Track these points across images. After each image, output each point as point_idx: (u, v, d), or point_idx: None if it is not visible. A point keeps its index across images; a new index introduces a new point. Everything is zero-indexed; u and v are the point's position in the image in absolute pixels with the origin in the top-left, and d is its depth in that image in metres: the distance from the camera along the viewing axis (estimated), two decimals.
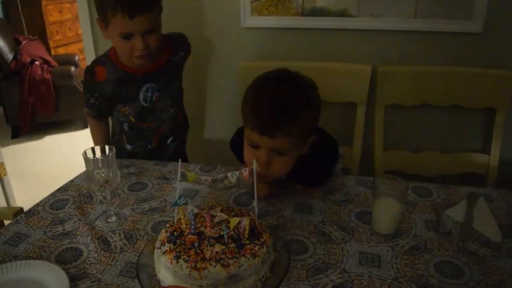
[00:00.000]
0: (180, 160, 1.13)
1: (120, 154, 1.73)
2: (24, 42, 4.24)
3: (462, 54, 1.83)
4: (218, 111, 2.21)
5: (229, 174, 1.05)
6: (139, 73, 1.60)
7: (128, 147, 1.78)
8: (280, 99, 1.12)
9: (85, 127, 4.20)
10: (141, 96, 1.63)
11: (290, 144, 1.14)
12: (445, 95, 1.84)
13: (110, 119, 1.82)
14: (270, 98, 1.14)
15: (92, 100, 1.65)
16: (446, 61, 1.85)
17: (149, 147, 1.78)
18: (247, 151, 1.21)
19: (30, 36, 4.51)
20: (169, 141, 1.81)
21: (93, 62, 1.66)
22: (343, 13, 1.86)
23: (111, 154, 1.21)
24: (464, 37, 1.80)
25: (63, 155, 3.71)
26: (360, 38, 1.90)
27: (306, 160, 1.24)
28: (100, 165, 1.18)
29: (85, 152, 1.18)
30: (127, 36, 1.44)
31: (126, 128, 1.73)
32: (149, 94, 1.63)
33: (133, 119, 1.68)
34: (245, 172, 1.05)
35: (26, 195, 3.10)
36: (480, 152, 1.89)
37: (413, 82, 1.84)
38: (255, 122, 1.14)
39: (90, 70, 1.62)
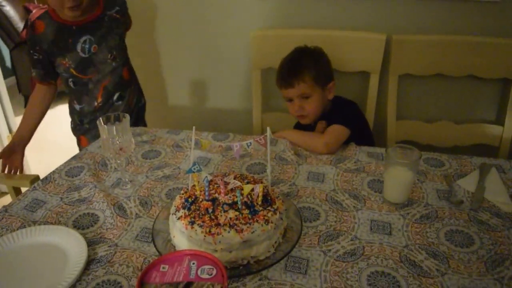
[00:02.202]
0: (194, 127, 1.14)
1: (72, 115, 1.87)
2: (34, 11, 4.22)
3: (478, 23, 1.80)
4: (229, 79, 2.20)
5: (244, 144, 1.06)
6: (75, 25, 1.67)
7: (77, 107, 1.84)
8: (291, 60, 1.64)
9: None
10: (79, 47, 1.69)
11: (308, 88, 1.58)
12: (460, 65, 1.81)
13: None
14: (286, 62, 1.66)
15: (36, 55, 1.71)
16: (462, 30, 1.82)
17: (95, 104, 1.82)
18: (288, 106, 1.67)
19: (40, 5, 4.49)
20: (115, 97, 1.84)
21: (32, 20, 1.73)
22: None
23: (125, 122, 1.22)
24: (482, 5, 1.76)
25: None
26: (374, 7, 1.86)
27: (330, 111, 1.66)
28: (114, 132, 1.19)
29: (100, 119, 1.19)
30: None
31: (71, 84, 1.78)
32: (87, 46, 1.70)
33: (74, 71, 1.73)
34: (261, 140, 1.05)
35: (40, 163, 3.14)
36: (493, 123, 1.88)
37: (427, 52, 1.82)
38: (280, 81, 1.63)
39: (30, 25, 1.72)
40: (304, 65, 1.59)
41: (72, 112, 1.90)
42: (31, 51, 1.71)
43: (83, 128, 1.90)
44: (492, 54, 1.77)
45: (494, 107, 1.93)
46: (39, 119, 1.82)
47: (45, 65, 1.73)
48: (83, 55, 1.70)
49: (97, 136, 1.78)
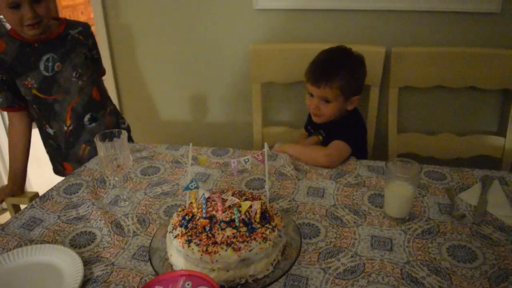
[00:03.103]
0: (191, 144, 1.13)
1: (46, 139, 1.78)
2: None
3: (478, 35, 1.80)
4: (229, 94, 2.20)
5: (242, 160, 1.04)
6: (37, 42, 1.61)
7: (50, 131, 1.77)
8: (327, 59, 1.61)
9: None
10: (42, 65, 1.62)
11: (332, 95, 1.56)
12: (460, 76, 1.81)
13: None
14: (321, 58, 1.62)
15: None
16: (462, 42, 1.81)
17: (65, 128, 1.74)
18: (306, 98, 1.66)
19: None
20: (85, 119, 1.77)
21: None
22: None
23: (123, 139, 1.21)
24: (481, 17, 1.77)
25: None
26: (374, 19, 1.87)
27: (341, 122, 1.64)
28: (112, 150, 1.18)
29: (97, 137, 1.19)
30: (15, 6, 1.46)
31: (36, 109, 1.70)
32: (50, 64, 1.63)
33: (36, 92, 1.65)
34: (259, 156, 1.04)
35: (41, 178, 3.13)
36: (495, 134, 1.87)
37: (427, 64, 1.81)
38: (309, 75, 1.60)
39: None
40: (338, 71, 1.56)
41: (46, 137, 1.81)
42: None
43: (62, 154, 1.82)
44: (492, 65, 1.76)
45: (495, 118, 1.93)
46: (26, 152, 1.76)
47: (11, 87, 1.64)
48: (46, 74, 1.63)
49: (79, 160, 1.76)
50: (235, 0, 1.99)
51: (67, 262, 1.00)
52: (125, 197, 1.27)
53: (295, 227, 1.06)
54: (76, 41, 1.70)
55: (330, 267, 0.97)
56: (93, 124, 1.79)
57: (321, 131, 1.68)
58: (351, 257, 1.00)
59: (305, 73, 1.63)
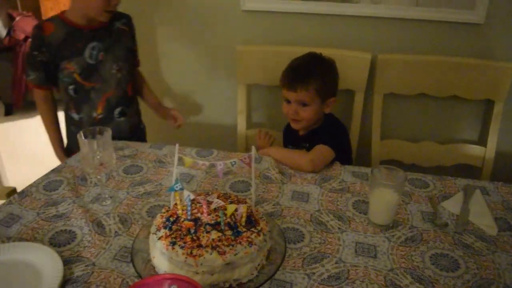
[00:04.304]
0: (177, 144, 1.11)
1: (69, 125, 1.83)
2: (18, 18, 4.17)
3: (462, 45, 1.82)
4: (215, 95, 2.19)
5: (229, 162, 1.03)
6: (86, 28, 1.68)
7: (75, 116, 1.80)
8: (300, 64, 1.65)
9: None
10: (87, 52, 1.68)
11: (309, 97, 1.59)
12: (444, 85, 1.83)
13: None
14: (294, 64, 1.66)
15: (40, 56, 1.67)
16: (446, 51, 1.84)
17: (95, 115, 1.78)
18: (283, 106, 1.68)
19: (24, 12, 4.43)
20: (116, 112, 1.82)
21: (41, 21, 1.72)
22: None
23: (106, 136, 1.19)
24: (465, 27, 1.79)
25: None
26: (360, 25, 1.88)
27: (321, 128, 1.68)
28: (95, 147, 1.16)
29: (80, 133, 1.16)
30: None
31: (71, 92, 1.74)
32: (95, 52, 1.70)
33: (77, 77, 1.70)
34: (246, 159, 1.03)
35: (19, 174, 3.07)
36: (476, 144, 1.89)
37: (412, 71, 1.83)
38: (284, 81, 1.64)
39: (38, 25, 1.68)
40: (312, 74, 1.59)
41: (69, 122, 1.85)
42: (35, 53, 1.67)
43: None
44: (475, 75, 1.79)
45: (477, 127, 1.96)
46: (58, 122, 1.88)
47: (47, 68, 1.70)
48: (90, 61, 1.69)
49: None
50: (223, 0, 1.98)
51: (46, 261, 0.97)
52: (107, 195, 1.25)
53: (280, 231, 1.05)
54: (121, 32, 1.78)
55: (314, 273, 0.96)
56: (122, 118, 1.84)
57: (305, 145, 1.66)
58: (336, 263, 1.00)
59: (280, 80, 1.66)
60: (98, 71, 1.72)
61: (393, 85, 1.86)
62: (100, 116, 1.79)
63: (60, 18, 1.67)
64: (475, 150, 1.87)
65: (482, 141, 1.90)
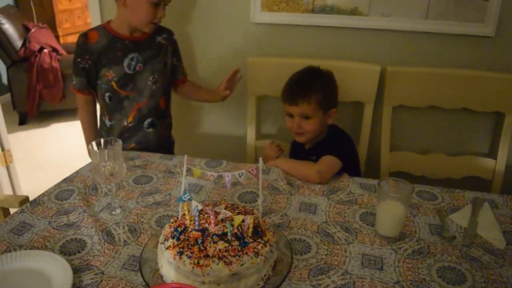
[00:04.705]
0: (186, 155, 1.13)
1: (101, 130, 1.88)
2: (33, 30, 4.24)
3: (472, 57, 1.82)
4: (225, 106, 2.20)
5: (236, 174, 1.05)
6: (128, 39, 1.75)
7: (107, 122, 1.86)
8: (300, 78, 1.67)
9: None
10: (126, 62, 1.75)
11: (311, 110, 1.61)
12: (453, 97, 1.83)
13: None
14: (294, 79, 1.69)
15: (83, 63, 1.74)
16: (456, 64, 1.84)
17: (125, 123, 1.83)
18: (286, 120, 1.70)
19: (40, 24, 4.51)
20: (146, 122, 1.85)
21: (87, 30, 1.80)
22: (353, 12, 1.86)
23: (117, 147, 1.21)
24: (475, 40, 1.79)
25: (69, 144, 3.72)
26: (370, 38, 1.89)
27: (326, 140, 1.70)
28: (106, 157, 1.18)
29: (92, 143, 1.18)
30: (156, 4, 1.67)
31: (107, 99, 1.81)
32: (133, 63, 1.76)
33: (114, 85, 1.76)
34: (253, 171, 1.04)
35: (32, 182, 3.11)
36: (486, 156, 1.88)
37: (421, 84, 1.83)
38: (285, 96, 1.67)
39: (83, 34, 1.77)
40: (312, 87, 1.62)
41: (101, 127, 1.92)
42: (78, 59, 1.75)
43: None
44: (485, 88, 1.79)
45: (487, 140, 1.95)
46: (96, 127, 1.94)
47: (89, 74, 1.77)
48: (128, 71, 1.75)
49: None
50: (233, 13, 2.00)
51: (56, 269, 0.99)
52: (116, 205, 1.27)
53: (287, 242, 1.06)
54: (161, 46, 1.83)
55: (320, 284, 0.97)
56: (150, 129, 1.88)
57: (312, 158, 1.65)
58: (342, 275, 1.00)
59: (281, 96, 1.70)
60: (134, 81, 1.77)
61: (403, 97, 1.87)
62: (130, 125, 1.83)
63: (104, 28, 1.76)
64: (485, 162, 1.86)
65: (492, 153, 1.89)
